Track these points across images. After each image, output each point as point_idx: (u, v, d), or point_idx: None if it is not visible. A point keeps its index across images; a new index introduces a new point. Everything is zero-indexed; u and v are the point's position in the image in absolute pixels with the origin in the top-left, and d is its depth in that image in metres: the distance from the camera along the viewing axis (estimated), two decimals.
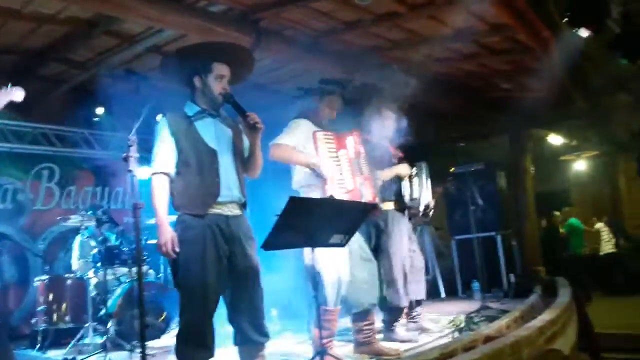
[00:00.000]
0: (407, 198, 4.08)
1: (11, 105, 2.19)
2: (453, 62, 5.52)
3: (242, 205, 2.79)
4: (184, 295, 2.61)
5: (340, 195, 3.28)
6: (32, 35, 5.41)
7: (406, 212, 4.15)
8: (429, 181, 4.22)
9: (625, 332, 6.41)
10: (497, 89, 7.07)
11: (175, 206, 2.68)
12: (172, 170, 2.66)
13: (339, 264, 3.29)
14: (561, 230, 9.93)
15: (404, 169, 4.12)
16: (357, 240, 3.47)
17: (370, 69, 5.67)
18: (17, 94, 2.17)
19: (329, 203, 2.92)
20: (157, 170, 2.66)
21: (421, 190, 4.14)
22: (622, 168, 10.95)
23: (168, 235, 2.54)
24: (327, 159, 3.32)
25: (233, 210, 2.72)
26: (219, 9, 4.64)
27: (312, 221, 2.66)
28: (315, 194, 3.32)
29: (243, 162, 2.84)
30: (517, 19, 4.31)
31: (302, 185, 3.45)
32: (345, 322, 3.88)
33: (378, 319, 3.89)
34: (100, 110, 6.95)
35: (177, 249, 2.56)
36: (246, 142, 2.85)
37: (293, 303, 4.65)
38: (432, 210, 4.34)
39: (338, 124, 3.63)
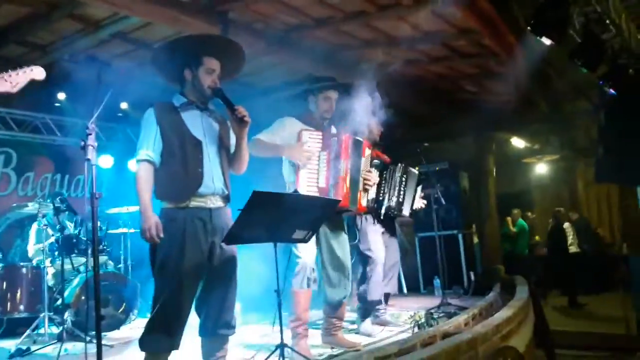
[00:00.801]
0: (370, 202, 3.98)
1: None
2: (422, 63, 5.60)
3: (225, 198, 2.80)
4: (160, 286, 2.61)
5: (310, 192, 3.34)
6: None
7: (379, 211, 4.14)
8: (402, 183, 4.22)
9: (578, 330, 6.68)
10: (463, 91, 7.20)
11: (159, 195, 2.68)
12: (156, 159, 2.67)
13: (307, 249, 3.38)
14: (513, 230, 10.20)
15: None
16: (334, 234, 3.57)
17: (340, 67, 5.70)
18: (38, 72, 2.08)
19: (292, 198, 2.93)
20: (142, 158, 2.66)
21: (387, 192, 4.14)
22: (580, 172, 11.34)
23: (152, 220, 2.55)
24: (304, 153, 3.37)
25: (216, 203, 2.73)
26: None
27: (275, 216, 2.67)
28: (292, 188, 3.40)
29: (229, 156, 2.86)
30: (483, 24, 4.39)
31: (288, 181, 3.52)
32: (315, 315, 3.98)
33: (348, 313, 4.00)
34: (61, 96, 6.78)
35: (162, 235, 2.56)
36: (233, 138, 2.87)
37: (256, 295, 4.65)
38: (412, 211, 4.44)
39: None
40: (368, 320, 4.22)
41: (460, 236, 7.20)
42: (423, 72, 6.10)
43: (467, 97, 7.38)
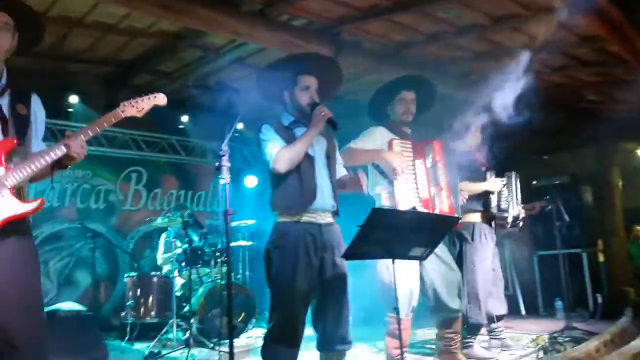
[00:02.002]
0: (494, 209, 3.98)
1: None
2: (538, 73, 5.35)
3: (334, 214, 2.86)
4: (275, 298, 2.70)
5: (411, 203, 3.25)
6: (126, 48, 5.80)
7: (493, 223, 4.05)
8: (519, 192, 4.09)
9: None
10: (584, 100, 6.76)
11: (274, 206, 2.78)
12: None
13: (411, 275, 3.29)
14: None
15: (494, 185, 4.02)
16: (441, 248, 3.43)
17: (450, 80, 5.61)
18: (161, 99, 2.36)
19: (412, 215, 2.91)
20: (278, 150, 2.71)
21: (510, 201, 4.01)
22: None
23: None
24: (400, 159, 3.25)
25: (326, 219, 2.79)
26: (300, 23, 4.77)
27: (393, 233, 2.66)
28: (384, 200, 3.32)
29: (335, 172, 2.92)
30: (610, 30, 4.11)
31: (375, 192, 3.42)
32: (425, 333, 3.86)
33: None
34: (185, 118, 7.35)
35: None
36: (339, 157, 2.95)
37: (368, 312, 4.67)
38: (522, 222, 4.21)
39: (419, 132, 3.57)
40: (477, 343, 4.00)
41: (584, 255, 6.70)
42: (539, 82, 5.82)
43: (588, 107, 6.91)
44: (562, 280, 5.14)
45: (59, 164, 2.15)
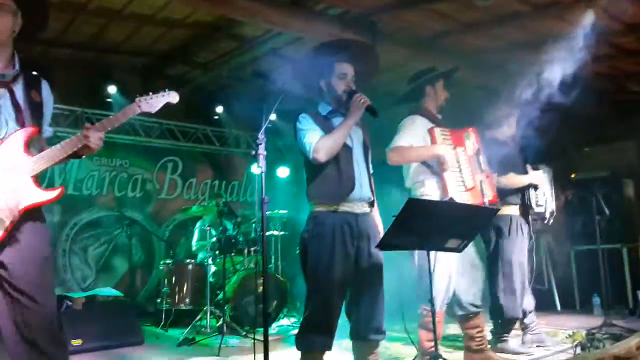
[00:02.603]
0: (533, 204, 3.87)
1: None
2: (579, 62, 5.20)
3: (371, 204, 2.84)
4: (311, 287, 2.71)
5: (460, 193, 3.18)
6: (162, 39, 5.89)
7: (529, 218, 3.94)
8: (552, 186, 4.01)
9: None
10: (626, 91, 6.54)
11: (311, 196, 2.76)
12: None
13: (450, 267, 3.23)
14: None
15: (538, 178, 3.90)
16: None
17: (487, 70, 5.51)
18: (173, 96, 2.39)
19: (449, 206, 2.88)
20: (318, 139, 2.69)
21: (547, 196, 3.92)
22: None
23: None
24: (448, 152, 3.18)
25: (362, 208, 2.77)
26: (336, 12, 4.74)
27: (429, 224, 2.63)
28: (428, 190, 3.25)
29: (369, 162, 2.89)
30: None
31: (415, 182, 3.34)
32: (454, 328, 3.80)
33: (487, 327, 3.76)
34: (219, 109, 7.43)
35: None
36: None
37: (400, 303, 4.64)
38: (552, 218, 4.10)
39: (456, 121, 3.49)
40: (512, 338, 3.91)
41: (624, 250, 6.50)
42: (580, 72, 5.66)
43: (631, 98, 6.68)
44: (600, 275, 5.00)
45: (74, 153, 2.20)
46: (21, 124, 2.12)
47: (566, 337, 4.15)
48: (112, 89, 6.51)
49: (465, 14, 4.55)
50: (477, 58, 5.41)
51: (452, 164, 3.19)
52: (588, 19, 3.91)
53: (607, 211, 4.89)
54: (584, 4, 3.98)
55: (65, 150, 2.14)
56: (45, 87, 2.29)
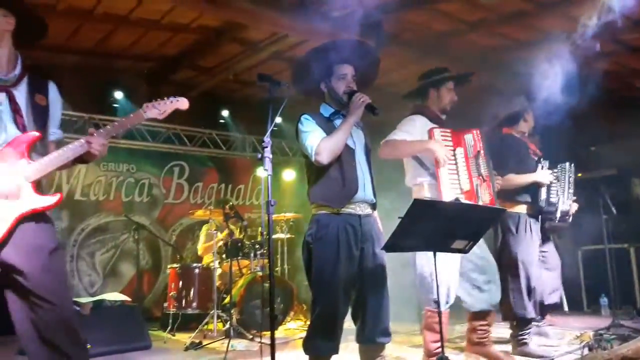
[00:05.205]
0: (543, 202, 3.81)
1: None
2: (585, 59, 5.18)
3: (373, 206, 2.83)
4: (317, 290, 2.69)
5: (455, 195, 3.14)
6: (168, 44, 5.91)
7: (540, 217, 3.89)
8: (572, 185, 3.93)
9: None
10: (632, 88, 6.51)
11: (314, 198, 2.74)
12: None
13: (451, 267, 3.20)
14: None
15: (543, 176, 3.82)
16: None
17: (495, 69, 5.49)
18: (183, 103, 2.40)
19: (455, 206, 2.86)
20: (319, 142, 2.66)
21: (561, 195, 3.85)
22: None
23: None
24: (444, 150, 3.14)
25: (365, 210, 2.76)
26: (340, 14, 4.74)
27: (435, 225, 2.61)
28: (426, 191, 3.23)
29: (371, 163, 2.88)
30: None
31: (415, 182, 3.32)
32: (459, 331, 3.78)
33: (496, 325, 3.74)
34: (225, 113, 7.46)
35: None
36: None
37: (403, 305, 4.64)
38: (571, 217, 4.04)
39: (463, 121, 3.46)
40: (532, 341, 3.88)
41: (632, 250, 6.46)
42: (586, 69, 5.63)
43: (637, 95, 6.65)
44: (608, 276, 4.96)
45: (80, 159, 2.19)
46: (22, 128, 2.11)
47: (574, 338, 4.12)
48: (118, 95, 6.55)
49: (470, 13, 4.54)
50: (483, 58, 5.40)
51: (449, 164, 3.15)
52: (593, 16, 3.89)
53: (614, 210, 4.84)
54: (588, 1, 3.95)
55: (67, 156, 2.13)
56: (52, 89, 2.29)
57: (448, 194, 3.11)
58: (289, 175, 7.98)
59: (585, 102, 4.46)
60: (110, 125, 2.27)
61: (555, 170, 3.90)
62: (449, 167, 3.15)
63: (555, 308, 4.07)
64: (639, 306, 6.10)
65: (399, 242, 2.64)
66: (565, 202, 3.85)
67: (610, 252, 5.11)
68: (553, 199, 3.79)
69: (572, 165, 3.95)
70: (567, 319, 5.70)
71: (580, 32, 3.89)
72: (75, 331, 2.12)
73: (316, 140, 2.66)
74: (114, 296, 4.98)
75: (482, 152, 3.32)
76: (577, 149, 4.78)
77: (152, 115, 2.32)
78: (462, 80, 3.47)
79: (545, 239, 4.10)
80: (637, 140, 7.28)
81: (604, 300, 5.74)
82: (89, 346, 4.06)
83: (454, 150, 3.22)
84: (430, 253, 2.69)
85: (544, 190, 3.78)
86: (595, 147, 4.89)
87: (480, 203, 3.21)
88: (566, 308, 6.50)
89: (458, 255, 3.16)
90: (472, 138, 3.31)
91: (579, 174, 4.20)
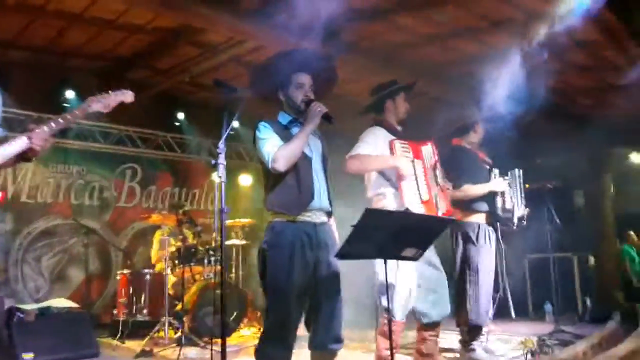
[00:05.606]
0: (499, 210, 3.91)
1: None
2: (532, 75, 5.41)
3: (329, 214, 2.85)
4: (271, 298, 2.69)
5: (416, 205, 3.21)
6: (123, 44, 5.80)
7: (497, 225, 3.99)
8: (523, 190, 4.06)
9: None
10: (576, 105, 6.83)
11: (270, 206, 2.74)
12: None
13: (410, 277, 3.26)
14: None
15: (498, 185, 3.93)
16: (430, 250, 3.37)
17: (445, 82, 5.66)
18: (127, 95, 2.35)
19: (404, 216, 2.92)
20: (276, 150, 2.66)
21: (515, 201, 3.96)
22: None
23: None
24: (408, 164, 3.22)
25: (321, 218, 2.78)
26: (298, 23, 4.78)
27: (386, 233, 2.66)
28: (388, 201, 3.29)
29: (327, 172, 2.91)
30: (605, 35, 4.16)
31: (376, 193, 3.37)
32: (412, 337, 3.85)
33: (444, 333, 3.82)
34: (180, 116, 7.35)
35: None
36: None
37: (358, 312, 4.69)
38: (525, 222, 4.15)
39: (415, 132, 3.54)
40: (479, 346, 3.97)
41: (574, 258, 6.76)
42: (533, 84, 5.89)
43: (580, 112, 6.98)
44: (552, 283, 5.17)
45: (23, 157, 2.10)
46: None
47: (518, 344, 4.27)
48: (70, 94, 6.34)
49: (424, 27, 4.66)
50: (437, 70, 5.54)
51: (410, 176, 3.22)
52: (541, 35, 4.07)
53: (557, 220, 5.06)
54: (536, 21, 4.14)
55: (8, 153, 2.04)
56: None
57: (410, 205, 3.18)
58: (246, 180, 7.93)
59: (531, 116, 4.67)
60: (53, 120, 2.17)
61: (507, 177, 4.01)
62: (410, 179, 3.22)
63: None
64: (581, 312, 6.40)
65: (352, 250, 2.67)
66: (520, 208, 3.97)
67: (554, 261, 5.33)
68: (508, 206, 3.90)
69: (521, 171, 4.07)
70: (514, 324, 5.89)
71: (529, 49, 4.08)
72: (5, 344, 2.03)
73: (273, 148, 2.66)
74: (60, 302, 4.82)
75: (437, 163, 3.41)
76: (524, 160, 4.96)
77: (96, 109, 2.26)
78: (411, 89, 3.55)
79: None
80: (580, 154, 7.65)
81: (548, 307, 5.96)
82: (31, 355, 3.98)
83: (413, 161, 3.28)
84: (389, 261, 2.74)
85: (499, 199, 3.89)
86: (541, 160, 5.09)
87: (440, 213, 3.30)
88: (513, 314, 6.72)
89: (418, 266, 3.22)
90: (428, 149, 3.39)
91: (527, 185, 4.36)
